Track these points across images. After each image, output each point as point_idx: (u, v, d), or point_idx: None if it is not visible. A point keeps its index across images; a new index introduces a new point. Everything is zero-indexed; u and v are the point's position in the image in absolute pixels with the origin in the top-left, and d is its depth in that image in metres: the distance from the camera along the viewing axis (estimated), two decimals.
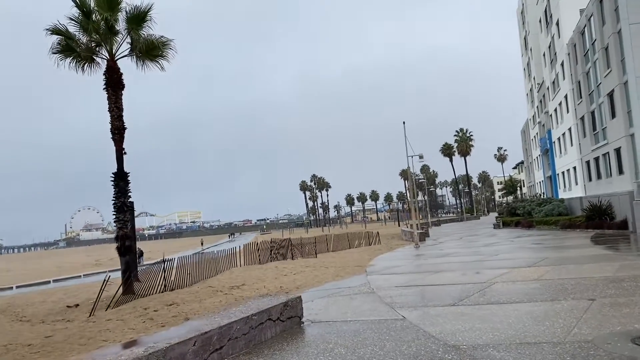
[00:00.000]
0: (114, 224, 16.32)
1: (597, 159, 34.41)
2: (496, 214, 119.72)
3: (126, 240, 15.72)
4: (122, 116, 15.93)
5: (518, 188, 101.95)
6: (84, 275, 45.30)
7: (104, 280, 14.24)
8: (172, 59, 16.43)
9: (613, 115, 29.50)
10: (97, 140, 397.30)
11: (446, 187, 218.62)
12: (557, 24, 42.99)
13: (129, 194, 15.94)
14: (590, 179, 37.05)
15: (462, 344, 6.58)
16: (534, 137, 66.66)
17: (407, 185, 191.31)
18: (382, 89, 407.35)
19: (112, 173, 15.86)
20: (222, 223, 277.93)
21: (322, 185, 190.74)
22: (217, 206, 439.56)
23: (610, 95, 29.45)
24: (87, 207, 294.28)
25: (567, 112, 42.49)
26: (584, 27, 34.43)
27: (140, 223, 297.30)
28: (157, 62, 16.44)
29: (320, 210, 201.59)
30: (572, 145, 42.18)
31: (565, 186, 47.51)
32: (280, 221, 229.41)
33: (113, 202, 15.79)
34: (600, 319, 7.34)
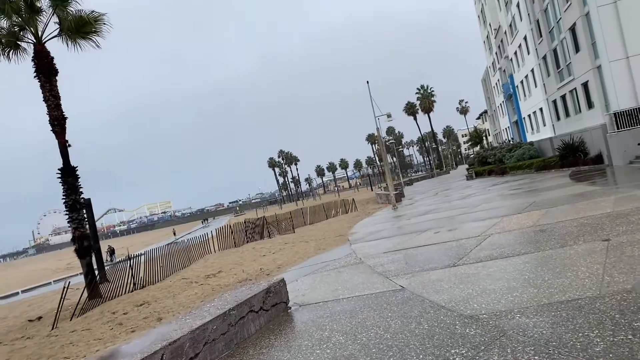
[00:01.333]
0: (68, 225, 14.84)
1: (564, 97, 33.98)
2: (466, 166, 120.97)
3: (84, 240, 14.26)
4: (60, 105, 14.27)
5: (484, 137, 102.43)
6: (54, 281, 43.34)
7: (64, 287, 12.84)
8: (107, 35, 14.72)
9: (577, 49, 28.87)
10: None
11: (412, 146, 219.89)
12: None
13: (80, 189, 14.41)
14: (558, 118, 36.71)
15: (480, 312, 5.56)
16: (496, 84, 66.39)
17: (375, 149, 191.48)
18: (341, 57, 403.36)
19: (58, 169, 14.30)
20: (194, 210, 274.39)
21: (291, 159, 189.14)
22: (188, 194, 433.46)
23: (572, 29, 28.77)
24: (53, 210, 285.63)
25: (528, 53, 41.92)
26: None
27: (110, 220, 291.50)
28: (91, 39, 14.75)
29: (292, 185, 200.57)
30: (536, 86, 41.76)
31: (533, 129, 47.34)
32: (253, 201, 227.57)
33: (64, 200, 14.28)
34: (627, 261, 6.42)
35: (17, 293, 39.48)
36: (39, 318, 14.27)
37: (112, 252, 50.91)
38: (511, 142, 50.05)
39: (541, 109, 42.03)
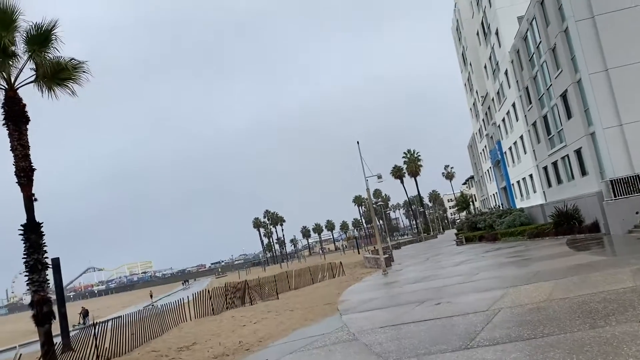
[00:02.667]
0: (27, 288, 13.34)
1: (555, 164, 33.61)
2: (454, 231, 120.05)
3: (44, 305, 12.74)
4: (28, 155, 13.14)
5: (470, 203, 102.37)
6: (19, 345, 40.44)
7: (15, 357, 11.21)
8: (85, 84, 13.83)
9: (569, 116, 28.71)
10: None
11: (399, 209, 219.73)
12: (497, 33, 42.86)
13: (44, 248, 13.01)
14: (550, 185, 36.23)
15: None
16: (483, 150, 66.68)
17: (361, 211, 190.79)
18: (328, 121, 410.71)
19: (21, 225, 12.97)
20: (174, 271, 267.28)
21: (276, 220, 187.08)
22: (169, 254, 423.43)
23: (564, 95, 28.71)
24: None
25: (517, 120, 42.05)
26: (526, 32, 34.05)
27: (88, 279, 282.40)
28: (67, 86, 13.84)
29: (277, 246, 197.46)
30: (525, 153, 41.60)
31: (522, 195, 46.88)
32: (236, 262, 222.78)
33: (24, 260, 12.86)
34: None
35: None
36: None
37: (85, 314, 48.13)
38: (501, 208, 49.41)
39: (531, 176, 41.69)
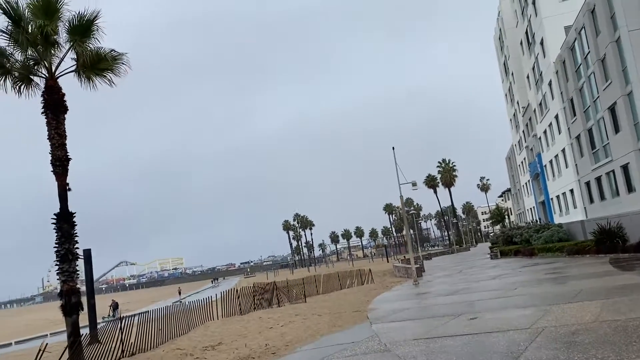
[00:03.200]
0: (57, 277, 13.31)
1: (599, 179, 32.29)
2: (488, 244, 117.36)
3: (72, 296, 12.67)
4: (65, 144, 13.15)
5: (506, 216, 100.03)
6: (50, 333, 41.21)
7: (39, 349, 11.12)
8: (124, 75, 13.77)
9: (617, 130, 27.51)
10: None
11: (431, 219, 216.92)
12: (542, 43, 41.66)
13: (76, 238, 12.96)
14: (591, 201, 34.85)
15: None
16: (521, 162, 64.99)
17: (392, 220, 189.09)
18: (370, 125, 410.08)
19: (54, 214, 12.96)
20: (204, 268, 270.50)
21: (306, 223, 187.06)
22: (200, 251, 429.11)
23: (612, 109, 27.53)
24: None
25: (559, 132, 40.69)
26: (574, 42, 32.92)
27: (120, 273, 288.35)
28: (105, 76, 13.81)
29: (305, 250, 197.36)
30: (567, 167, 40.18)
31: (561, 210, 45.32)
32: (265, 263, 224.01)
33: (55, 249, 12.82)
34: None
35: (10, 344, 37.45)
36: None
37: (115, 306, 48.71)
38: (538, 223, 47.89)
39: (572, 191, 40.23)
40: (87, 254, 18.41)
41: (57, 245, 12.93)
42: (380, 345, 9.61)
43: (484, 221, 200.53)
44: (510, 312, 11.57)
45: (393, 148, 28.44)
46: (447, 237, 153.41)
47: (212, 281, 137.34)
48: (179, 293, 65.82)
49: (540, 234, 40.58)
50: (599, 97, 29.50)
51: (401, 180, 28.16)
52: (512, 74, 60.39)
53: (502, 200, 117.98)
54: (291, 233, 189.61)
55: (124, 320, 13.58)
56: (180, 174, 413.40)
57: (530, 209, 64.15)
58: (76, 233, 13.12)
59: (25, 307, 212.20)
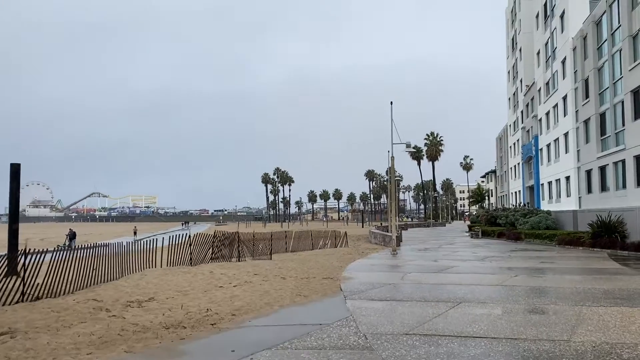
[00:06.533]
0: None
1: (603, 168, 29.90)
2: (463, 222, 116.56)
3: None
4: None
5: (486, 197, 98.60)
6: None
7: None
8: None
9: (636, 116, 24.91)
10: (53, 109, 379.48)
11: (409, 191, 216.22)
12: (562, 16, 38.50)
13: None
14: (589, 191, 32.57)
15: None
16: (514, 144, 62.60)
17: (371, 186, 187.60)
18: (361, 92, 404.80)
19: None
20: (177, 210, 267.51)
21: (285, 179, 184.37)
22: (175, 193, 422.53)
23: (636, 92, 24.84)
24: (37, 183, 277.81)
25: (565, 115, 38.03)
26: (602, 15, 29.86)
27: (92, 203, 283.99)
28: None
29: (281, 206, 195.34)
30: (567, 152, 37.73)
31: (551, 197, 43.18)
32: (239, 213, 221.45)
33: None
34: None
35: None
36: None
37: (72, 236, 45.60)
38: (525, 207, 45.78)
39: (567, 178, 37.92)
40: (15, 168, 15.30)
41: None
42: (357, 335, 6.90)
43: (460, 200, 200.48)
44: (522, 302, 8.97)
45: (391, 103, 25.50)
46: (422, 211, 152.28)
47: (182, 224, 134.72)
48: (134, 233, 60.92)
49: (527, 219, 38.45)
50: (621, 78, 26.74)
51: (397, 139, 25.28)
52: (520, 49, 57.22)
53: (485, 181, 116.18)
54: (269, 187, 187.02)
55: (31, 256, 10.63)
56: (172, 112, 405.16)
57: (516, 192, 62.17)
58: None
59: None
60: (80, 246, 15.07)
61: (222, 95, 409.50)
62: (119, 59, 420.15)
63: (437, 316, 8.19)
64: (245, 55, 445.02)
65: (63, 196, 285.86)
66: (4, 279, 10.39)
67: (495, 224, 44.24)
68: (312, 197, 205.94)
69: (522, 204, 51.51)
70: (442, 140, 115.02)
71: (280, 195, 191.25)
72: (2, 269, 10.53)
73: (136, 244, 16.43)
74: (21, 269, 10.70)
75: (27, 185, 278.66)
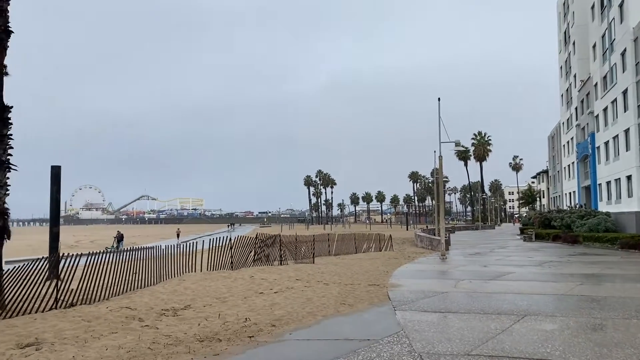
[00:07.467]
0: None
1: None
2: (512, 225, 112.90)
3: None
4: (6, 10, 9.61)
5: (537, 199, 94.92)
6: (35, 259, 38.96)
7: None
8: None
9: None
10: (106, 120, 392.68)
11: (455, 193, 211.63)
12: (621, 5, 36.23)
13: (9, 142, 9.53)
14: None
15: None
16: (567, 142, 59.78)
17: (415, 188, 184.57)
18: (405, 93, 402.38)
19: None
20: (223, 212, 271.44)
21: (328, 181, 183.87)
22: (221, 195, 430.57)
23: None
24: (89, 186, 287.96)
25: (625, 110, 35.73)
26: None
27: (141, 206, 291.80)
28: None
29: (324, 208, 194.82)
30: (627, 149, 35.40)
31: (609, 198, 40.71)
32: (282, 215, 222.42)
33: None
34: None
35: None
36: None
37: (120, 238, 46.34)
38: (582, 209, 43.40)
39: (629, 177, 35.57)
40: (56, 171, 15.17)
41: None
42: (412, 355, 6.02)
43: (510, 201, 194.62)
44: (616, 332, 7.84)
45: (439, 99, 24.32)
46: (470, 213, 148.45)
47: (228, 226, 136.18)
48: (177, 236, 60.62)
49: (584, 221, 36.34)
50: None
51: (445, 137, 24.10)
52: (574, 43, 54.57)
53: (536, 182, 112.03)
54: (312, 189, 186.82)
55: (67, 260, 10.25)
56: (223, 118, 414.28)
57: (570, 193, 59.32)
58: (10, 135, 9.68)
59: (45, 227, 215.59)
60: (126, 249, 14.76)
61: (269, 100, 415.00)
62: (172, 69, 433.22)
63: (501, 332, 7.21)
64: (291, 60, 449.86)
65: (114, 199, 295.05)
66: (40, 284, 10.04)
67: (550, 226, 42.12)
68: (354, 199, 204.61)
69: (577, 205, 48.97)
70: (490, 140, 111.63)
71: (323, 197, 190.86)
72: (44, 272, 10.21)
73: (179, 246, 16.02)
74: (60, 272, 10.32)
75: (80, 189, 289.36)
